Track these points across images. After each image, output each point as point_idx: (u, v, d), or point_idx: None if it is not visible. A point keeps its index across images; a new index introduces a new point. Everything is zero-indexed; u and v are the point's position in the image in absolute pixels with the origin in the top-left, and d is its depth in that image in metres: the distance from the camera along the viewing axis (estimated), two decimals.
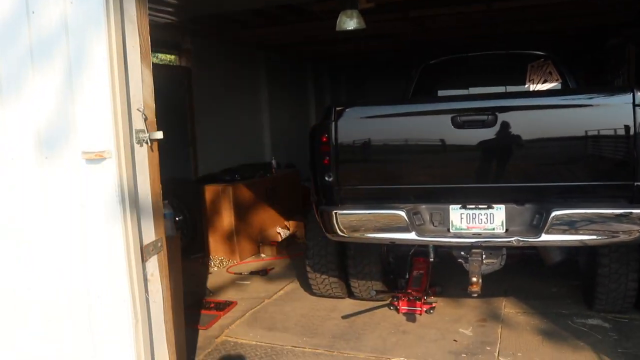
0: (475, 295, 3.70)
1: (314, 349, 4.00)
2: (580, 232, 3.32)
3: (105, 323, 2.72)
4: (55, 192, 2.73)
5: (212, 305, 4.87)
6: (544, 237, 3.36)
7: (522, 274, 5.13)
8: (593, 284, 4.15)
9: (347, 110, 3.81)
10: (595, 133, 3.31)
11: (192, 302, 4.97)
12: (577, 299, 4.66)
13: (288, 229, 7.41)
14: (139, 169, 2.73)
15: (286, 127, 10.38)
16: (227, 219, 6.37)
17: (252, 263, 6.40)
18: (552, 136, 3.42)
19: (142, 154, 2.76)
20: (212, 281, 5.75)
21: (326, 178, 3.85)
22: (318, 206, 3.97)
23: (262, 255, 6.70)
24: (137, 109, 2.70)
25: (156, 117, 2.89)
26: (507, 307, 4.61)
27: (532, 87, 5.73)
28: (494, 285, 4.72)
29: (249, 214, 6.68)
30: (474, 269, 3.42)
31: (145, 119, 2.74)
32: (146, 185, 2.79)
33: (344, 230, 3.80)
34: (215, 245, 6.47)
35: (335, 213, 3.79)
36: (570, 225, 3.31)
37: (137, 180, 2.72)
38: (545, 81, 6.12)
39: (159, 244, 2.90)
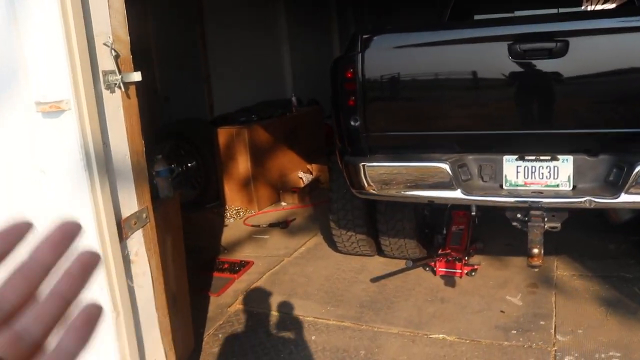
0: (537, 269, 3.10)
1: (340, 321, 3.48)
2: None
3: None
4: (10, 155, 2.15)
5: (226, 266, 4.38)
6: (624, 198, 2.68)
7: (572, 226, 4.40)
8: None
9: (376, 38, 3.09)
10: None
11: (203, 262, 4.49)
12: None
13: (311, 173, 6.82)
14: (111, 122, 2.13)
15: (308, 60, 9.62)
16: (243, 164, 5.80)
17: (271, 213, 5.87)
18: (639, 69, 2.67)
19: (115, 102, 2.15)
20: (227, 236, 5.24)
21: (352, 122, 3.19)
22: (342, 156, 3.34)
23: (283, 203, 6.15)
24: (104, 44, 2.07)
25: (154, 57, 2.25)
26: (560, 269, 4.00)
27: (590, 9, 4.87)
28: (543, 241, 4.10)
29: (268, 158, 6.09)
30: (534, 237, 2.77)
31: (117, 57, 2.11)
32: (122, 143, 2.20)
33: (374, 187, 3.17)
34: (231, 194, 5.93)
35: (363, 166, 3.16)
36: None
37: (110, 137, 2.13)
38: (606, 0, 5.24)
39: (144, 215, 2.33)
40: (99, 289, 2.12)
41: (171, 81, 7.20)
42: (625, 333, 3.12)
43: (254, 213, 5.81)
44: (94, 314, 0.38)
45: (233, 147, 5.78)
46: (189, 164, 6.12)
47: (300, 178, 6.62)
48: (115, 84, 2.10)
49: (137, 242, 2.30)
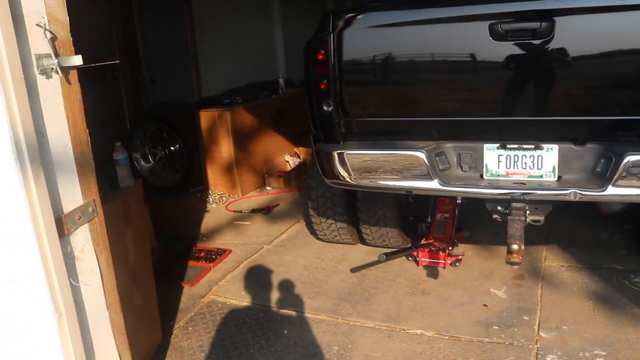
0: (516, 266, 2.93)
1: (315, 314, 3.34)
2: None
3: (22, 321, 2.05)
4: None
5: (202, 254, 4.22)
6: (612, 190, 2.49)
7: (563, 215, 4.26)
8: None
9: (348, 17, 2.88)
10: None
11: (180, 250, 4.35)
12: (633, 250, 3.87)
13: (298, 157, 6.64)
14: (47, 110, 1.95)
15: (302, 40, 9.34)
16: (225, 148, 5.62)
17: (255, 198, 5.70)
18: (632, 51, 2.46)
19: (52, 88, 1.96)
20: (207, 222, 5.09)
21: (324, 107, 3.00)
22: (315, 143, 3.16)
23: (268, 188, 5.99)
24: (37, 24, 1.88)
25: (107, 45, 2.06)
26: (549, 259, 3.84)
27: None
28: (532, 231, 3.93)
29: (252, 141, 5.90)
30: (514, 232, 2.60)
31: (53, 39, 1.93)
32: (63, 132, 2.02)
33: (347, 176, 3.00)
34: (215, 179, 5.77)
35: (336, 153, 2.98)
36: None
37: (47, 127, 1.95)
38: None
39: (91, 209, 2.16)
40: (38, 289, 1.97)
41: (157, 63, 7.00)
42: (612, 330, 2.97)
43: (237, 198, 5.65)
44: None
45: (215, 130, 5.59)
46: (172, 148, 5.95)
47: (287, 162, 6.44)
48: (52, 68, 1.91)
49: (83, 238, 2.14)
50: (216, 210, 5.39)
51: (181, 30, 7.06)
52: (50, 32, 1.91)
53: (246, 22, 7.99)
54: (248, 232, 4.76)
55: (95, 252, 2.20)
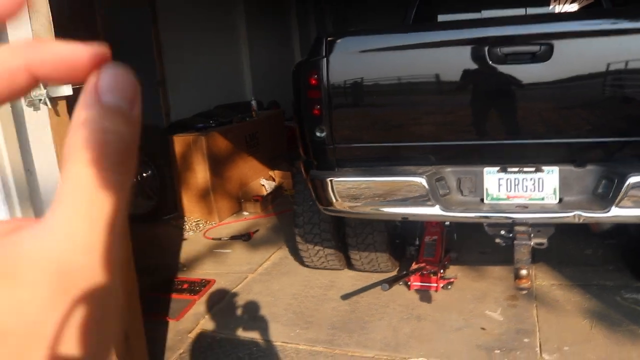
0: (525, 292, 2.88)
1: (310, 346, 3.21)
2: None
3: None
4: None
5: (185, 286, 4.05)
6: (616, 212, 2.48)
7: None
8: None
9: (343, 40, 2.81)
10: None
11: (161, 282, 4.16)
12: (619, 265, 3.89)
13: (273, 180, 6.52)
14: (35, 145, 1.81)
15: (268, 62, 9.32)
16: (201, 173, 5.46)
17: (233, 224, 5.54)
18: (631, 72, 2.46)
19: (40, 121, 1.83)
20: (186, 251, 4.90)
21: (317, 133, 2.91)
22: (308, 170, 3.06)
23: (245, 213, 5.84)
24: None
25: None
26: (539, 278, 3.82)
27: (559, 9, 4.72)
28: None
29: (227, 166, 5.76)
30: (521, 257, 2.55)
31: None
32: (51, 168, 1.87)
33: (344, 204, 2.91)
34: (190, 205, 5.59)
35: (331, 181, 2.89)
36: None
37: (35, 162, 1.81)
38: (574, 1, 5.10)
39: None
40: None
41: None
42: (613, 348, 2.95)
43: (214, 225, 5.48)
44: None
45: (190, 156, 5.43)
46: (144, 174, 5.75)
47: (263, 185, 6.31)
48: (40, 99, 1.78)
49: None
50: (194, 238, 5.20)
51: (148, 53, 6.89)
52: None
53: (213, 44, 7.88)
54: (230, 261, 4.60)
55: None
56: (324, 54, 2.75)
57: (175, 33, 7.06)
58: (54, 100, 1.83)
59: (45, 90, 1.78)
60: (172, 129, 5.82)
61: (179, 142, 5.44)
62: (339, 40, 2.79)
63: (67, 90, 1.86)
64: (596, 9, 3.90)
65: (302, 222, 3.85)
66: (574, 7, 4.72)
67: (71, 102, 1.95)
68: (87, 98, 0.24)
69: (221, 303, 3.82)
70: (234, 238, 5.02)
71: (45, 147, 1.85)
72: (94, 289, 0.22)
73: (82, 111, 0.24)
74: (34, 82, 0.25)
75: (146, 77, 6.91)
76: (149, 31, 6.89)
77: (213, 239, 5.11)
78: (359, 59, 2.78)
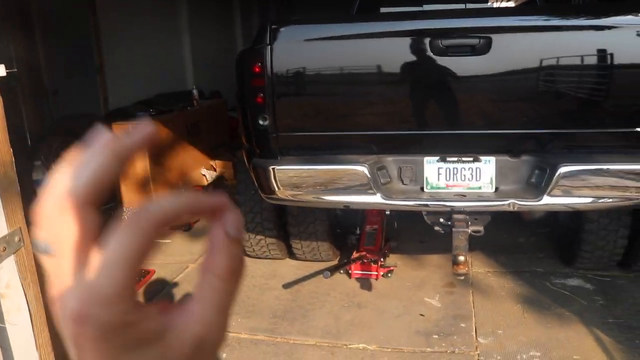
0: (462, 277, 2.98)
1: (252, 335, 3.21)
2: (594, 193, 2.59)
3: None
4: None
5: None
6: (547, 200, 2.60)
7: None
8: (576, 240, 3.54)
9: (287, 29, 2.81)
10: (622, 63, 2.51)
11: None
12: (549, 253, 4.09)
13: (214, 170, 6.44)
14: None
15: (210, 51, 9.17)
16: (140, 163, 5.32)
17: None
18: (564, 68, 2.59)
19: None
20: None
21: (260, 122, 2.90)
22: (250, 159, 3.05)
23: None
24: None
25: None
26: (475, 265, 3.96)
27: (496, 5, 4.89)
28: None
29: (167, 155, 5.64)
30: (459, 243, 2.63)
31: None
32: None
33: (286, 192, 2.91)
34: (129, 195, 5.43)
35: (274, 169, 2.88)
36: (582, 185, 2.57)
37: None
38: None
39: (17, 238, 1.93)
40: None
41: (60, 72, 6.53)
42: (542, 331, 3.11)
43: None
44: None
45: None
46: None
47: (204, 175, 6.23)
48: None
49: (8, 272, 1.90)
50: None
51: (86, 38, 6.64)
52: None
53: (154, 31, 7.69)
54: (170, 251, 4.51)
55: (23, 287, 1.96)
56: (268, 41, 2.74)
57: (115, 19, 6.84)
58: None
59: None
60: (111, 116, 5.65)
61: (118, 130, 5.22)
62: (283, 29, 2.78)
63: (0, 70, 1.78)
64: (531, 6, 4.06)
65: (243, 211, 3.82)
66: (510, 4, 4.90)
67: (5, 80, 1.87)
68: (220, 232, 0.36)
69: (161, 293, 3.75)
70: (175, 228, 4.91)
71: None
72: (215, 351, 0.35)
73: (218, 239, 0.36)
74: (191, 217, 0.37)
75: (85, 64, 6.67)
76: (86, 15, 6.64)
77: None
78: (303, 48, 2.79)
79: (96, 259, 0.34)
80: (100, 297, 0.31)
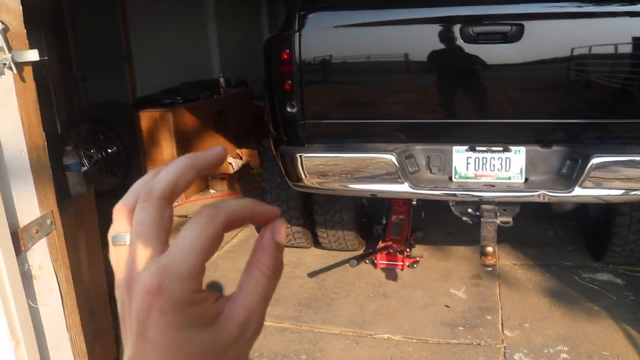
0: (490, 268, 2.95)
1: (277, 322, 3.23)
2: (626, 185, 2.52)
3: None
4: None
5: None
6: (579, 192, 2.54)
7: None
8: (607, 234, 3.47)
9: (315, 15, 2.79)
10: None
11: None
12: (578, 246, 4.02)
13: (240, 158, 6.48)
14: (0, 112, 1.74)
15: (236, 40, 9.19)
16: (167, 150, 5.37)
17: (199, 202, 5.50)
18: (597, 57, 2.52)
19: (5, 87, 1.76)
20: None
21: (288, 109, 2.89)
22: (277, 146, 3.05)
23: (211, 191, 5.79)
24: None
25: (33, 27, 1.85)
26: (502, 258, 3.91)
27: None
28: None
29: (194, 143, 5.69)
30: (487, 234, 2.59)
31: (5, 30, 1.72)
32: (17, 137, 1.81)
33: (313, 180, 2.90)
34: None
35: (301, 157, 2.88)
36: (615, 176, 2.50)
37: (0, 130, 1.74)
38: None
39: (49, 221, 1.96)
40: None
41: (89, 60, 6.62)
42: (570, 325, 3.06)
43: (180, 202, 5.42)
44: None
45: (157, 132, 5.34)
46: (109, 150, 5.63)
47: (230, 164, 6.26)
48: (5, 64, 1.71)
49: (41, 254, 1.93)
50: None
51: (114, 26, 6.71)
52: (2, 23, 1.71)
53: (181, 20, 7.73)
54: None
55: (54, 269, 2.00)
56: (296, 28, 2.72)
57: (143, 8, 6.89)
58: (19, 66, 1.77)
59: (10, 55, 1.71)
60: (139, 104, 5.70)
61: (146, 117, 5.33)
62: (311, 15, 2.76)
63: (33, 55, 1.79)
64: None
65: (270, 199, 3.83)
66: None
67: (37, 67, 1.89)
68: (269, 236, 0.40)
69: None
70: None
71: (11, 115, 1.78)
72: (254, 337, 0.39)
73: (266, 242, 0.40)
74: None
75: (113, 52, 6.74)
76: (114, 4, 6.71)
77: (179, 216, 5.04)
78: (332, 34, 2.77)
79: (172, 245, 0.39)
80: (175, 274, 0.35)
